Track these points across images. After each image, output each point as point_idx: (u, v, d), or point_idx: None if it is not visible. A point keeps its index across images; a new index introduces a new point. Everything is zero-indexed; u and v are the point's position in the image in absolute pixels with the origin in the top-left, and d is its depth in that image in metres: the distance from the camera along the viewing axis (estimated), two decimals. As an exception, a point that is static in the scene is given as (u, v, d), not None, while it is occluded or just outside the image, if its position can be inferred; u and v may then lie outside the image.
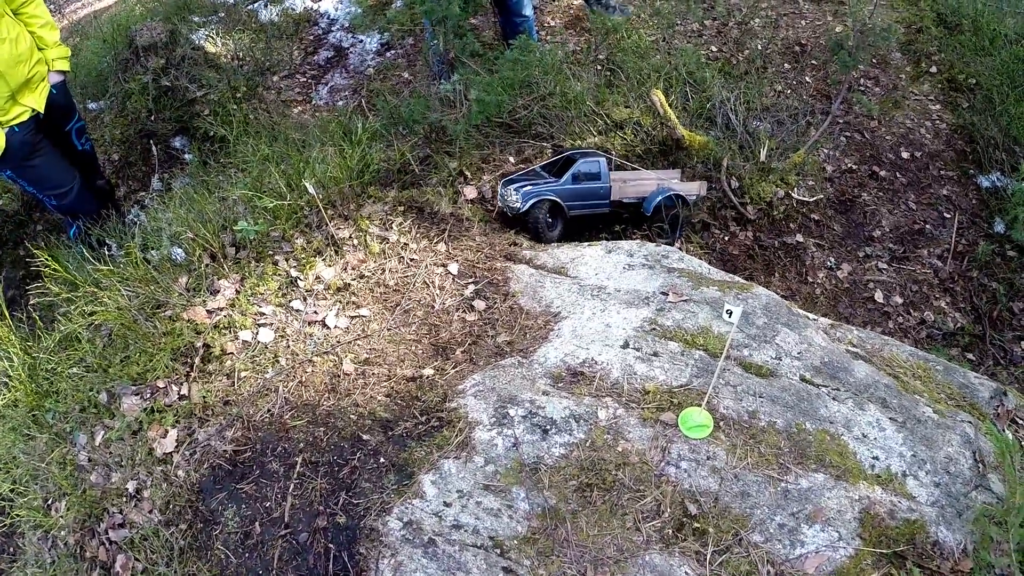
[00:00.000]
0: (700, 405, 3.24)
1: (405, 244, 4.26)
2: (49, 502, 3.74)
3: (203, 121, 6.19)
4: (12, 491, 3.86)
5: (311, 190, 3.90)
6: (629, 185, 4.94)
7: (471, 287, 4.09)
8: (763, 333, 3.66)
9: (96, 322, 3.98)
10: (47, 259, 4.07)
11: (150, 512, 3.42)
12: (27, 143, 4.74)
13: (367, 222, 4.26)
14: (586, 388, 3.39)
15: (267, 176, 4.43)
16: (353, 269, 4.09)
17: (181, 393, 3.66)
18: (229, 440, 3.47)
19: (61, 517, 3.64)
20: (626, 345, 3.56)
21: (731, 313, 3.12)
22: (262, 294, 3.94)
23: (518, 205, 4.59)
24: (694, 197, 5.07)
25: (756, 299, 3.83)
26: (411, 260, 4.20)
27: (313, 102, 6.63)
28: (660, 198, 4.87)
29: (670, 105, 5.32)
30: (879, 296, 5.34)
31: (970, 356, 5.24)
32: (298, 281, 4.00)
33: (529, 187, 4.65)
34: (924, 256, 5.62)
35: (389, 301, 4.02)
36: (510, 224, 4.82)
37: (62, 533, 3.64)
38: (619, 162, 5.17)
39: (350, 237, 4.19)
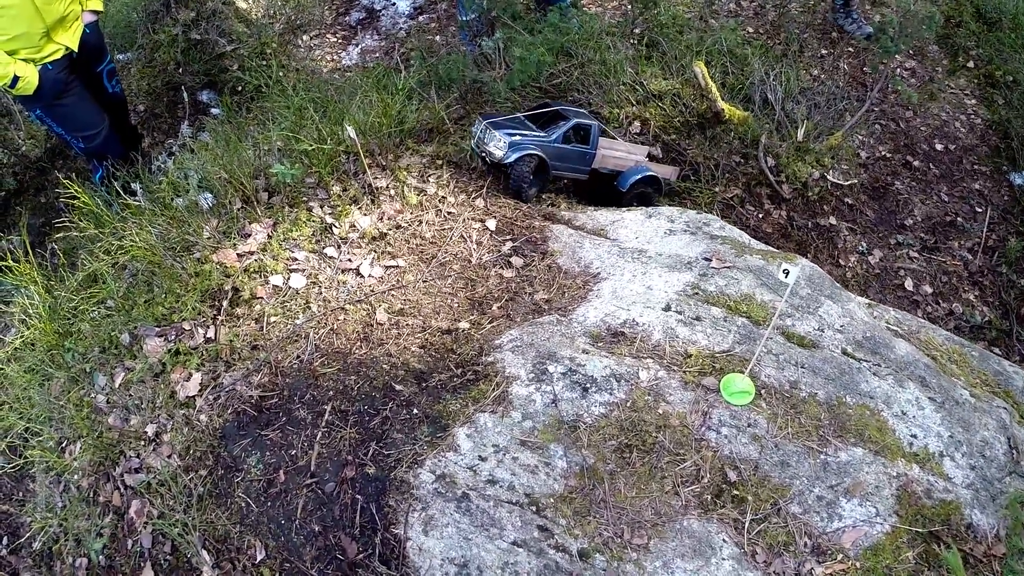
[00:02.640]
0: (742, 371, 3.17)
1: (443, 197, 4.18)
2: (63, 444, 3.67)
3: (232, 75, 6.11)
4: (26, 430, 3.78)
5: (352, 134, 3.81)
6: (608, 155, 4.67)
7: (508, 244, 4.02)
8: (806, 304, 3.60)
9: (121, 260, 3.91)
10: (76, 191, 3.99)
11: (169, 457, 3.34)
12: (59, 81, 4.70)
13: (405, 173, 4.18)
14: (627, 348, 3.32)
15: (305, 121, 4.35)
16: (389, 219, 4.00)
17: (207, 336, 3.58)
18: (255, 385, 3.39)
19: (75, 459, 3.57)
20: (668, 308, 3.48)
21: (787, 273, 3.03)
22: (295, 239, 3.86)
23: (501, 154, 4.19)
24: (665, 181, 4.90)
25: (800, 270, 3.76)
26: (448, 213, 4.12)
27: (343, 62, 6.55)
28: (638, 176, 4.63)
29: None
30: (909, 284, 5.30)
31: (996, 350, 5.19)
32: (333, 228, 3.92)
33: (518, 137, 4.25)
34: (955, 248, 5.58)
35: (425, 253, 3.95)
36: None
37: (75, 476, 3.57)
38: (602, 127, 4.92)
39: (387, 187, 4.11)
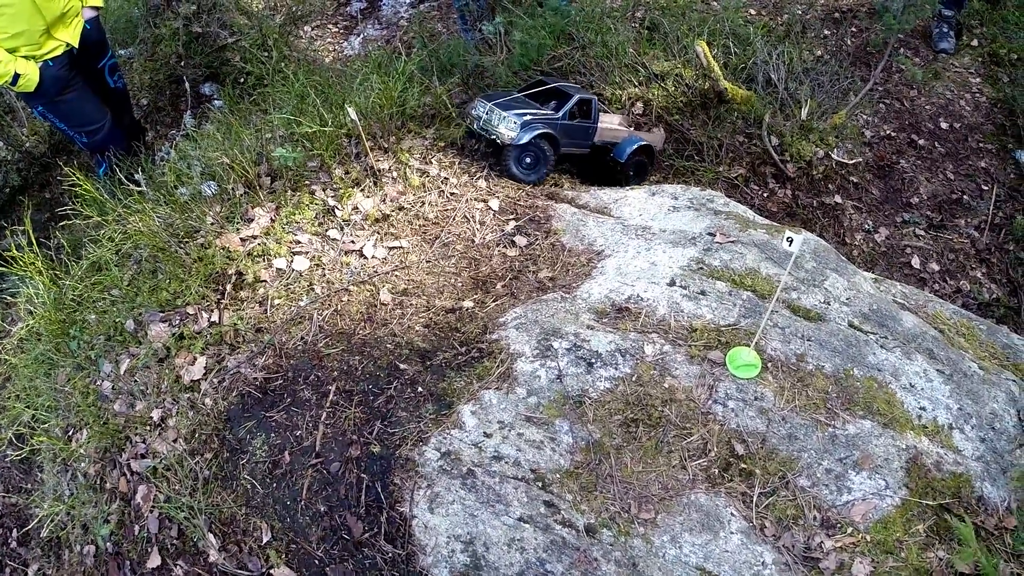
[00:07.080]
0: (748, 345, 3.15)
1: (445, 178, 4.17)
2: (70, 432, 3.67)
3: (234, 67, 6.12)
4: (33, 419, 3.78)
5: (353, 116, 3.80)
6: (605, 128, 4.61)
7: (512, 223, 4.00)
8: (812, 277, 3.58)
9: (125, 248, 3.90)
10: (79, 179, 3.99)
11: (175, 441, 3.33)
12: (60, 78, 4.71)
13: (407, 155, 4.17)
14: (632, 324, 3.30)
15: (306, 105, 4.34)
16: (392, 201, 3.99)
17: (211, 320, 3.57)
18: (260, 367, 3.39)
19: (81, 447, 3.57)
20: (672, 283, 3.46)
21: (791, 241, 3.00)
22: (298, 223, 3.86)
23: (514, 135, 4.07)
24: (658, 148, 4.88)
25: (804, 240, 3.73)
26: (451, 194, 4.11)
27: (345, 52, 6.55)
28: (635, 146, 4.61)
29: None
30: (916, 262, 5.27)
31: (1004, 328, 5.17)
32: (335, 210, 3.91)
33: (529, 117, 4.13)
34: (961, 226, 5.54)
35: (428, 234, 3.94)
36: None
37: (82, 464, 3.57)
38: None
39: (389, 169, 4.10)
